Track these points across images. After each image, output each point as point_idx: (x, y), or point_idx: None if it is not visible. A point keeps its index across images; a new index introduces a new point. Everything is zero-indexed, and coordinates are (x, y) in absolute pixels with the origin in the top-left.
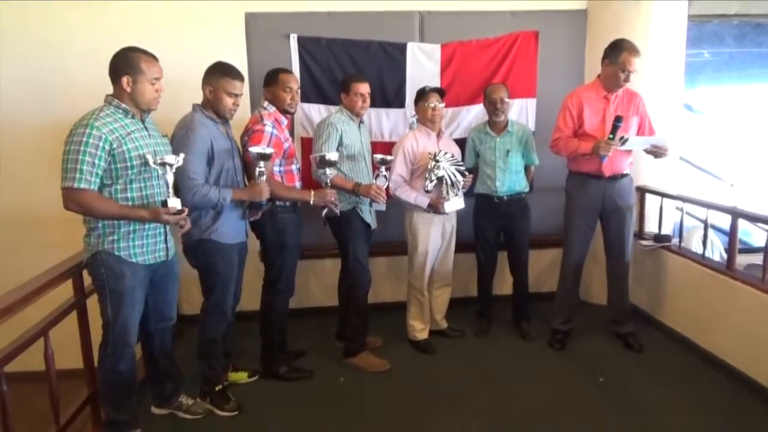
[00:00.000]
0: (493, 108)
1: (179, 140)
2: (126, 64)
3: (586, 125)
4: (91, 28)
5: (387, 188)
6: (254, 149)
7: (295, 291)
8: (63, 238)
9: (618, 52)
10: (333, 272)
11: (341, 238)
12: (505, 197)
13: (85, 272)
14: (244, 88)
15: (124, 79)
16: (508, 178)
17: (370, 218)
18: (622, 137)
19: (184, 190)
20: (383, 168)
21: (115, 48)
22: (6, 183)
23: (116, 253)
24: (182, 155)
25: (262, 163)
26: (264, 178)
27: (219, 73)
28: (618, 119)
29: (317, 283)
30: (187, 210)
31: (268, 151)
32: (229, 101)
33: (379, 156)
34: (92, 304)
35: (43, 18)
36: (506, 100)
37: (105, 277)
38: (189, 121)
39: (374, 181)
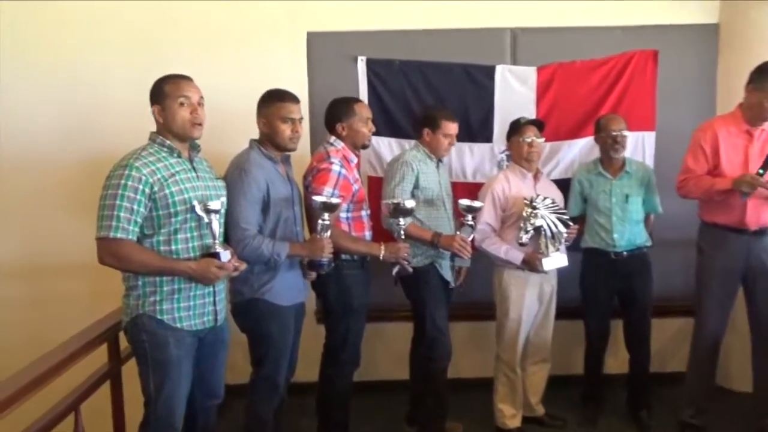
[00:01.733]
0: (612, 142)
1: (232, 183)
2: (153, 93)
3: (724, 166)
4: (135, 54)
5: (473, 240)
6: (318, 198)
7: (360, 362)
8: (95, 289)
9: (766, 76)
10: (403, 339)
11: (416, 300)
12: (624, 253)
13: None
14: (304, 122)
15: (155, 110)
16: (628, 230)
17: (450, 275)
18: None
19: (234, 241)
20: (470, 217)
21: (158, 70)
22: (22, 227)
23: (159, 317)
24: (223, 199)
25: (326, 215)
26: (328, 233)
27: (269, 99)
28: None
29: (384, 351)
30: (235, 258)
31: (335, 200)
32: (286, 129)
33: (465, 202)
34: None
35: (78, 42)
36: (626, 133)
37: (146, 345)
38: (243, 161)
39: (457, 232)
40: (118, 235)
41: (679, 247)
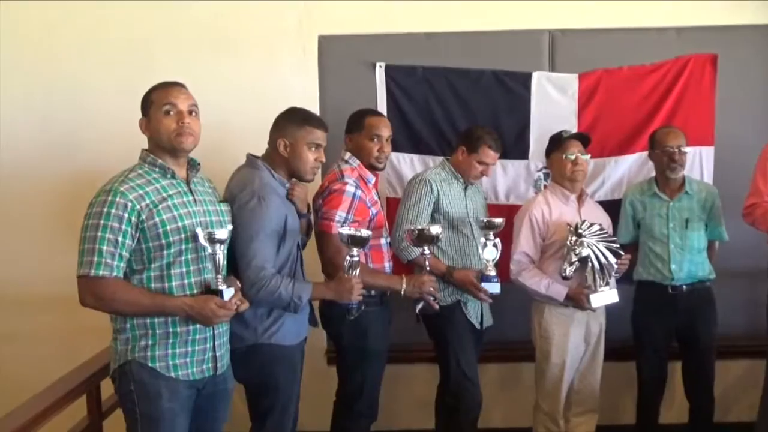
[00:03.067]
0: (669, 160)
1: (245, 212)
2: (143, 104)
3: None
4: (126, 62)
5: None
6: (345, 231)
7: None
8: (77, 325)
9: None
10: (428, 382)
11: (439, 341)
12: (684, 287)
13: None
14: None
15: (142, 123)
16: (688, 260)
17: (476, 318)
18: None
19: (248, 282)
20: (491, 234)
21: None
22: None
23: (150, 364)
24: (230, 226)
25: (355, 251)
26: (357, 271)
27: (297, 121)
28: None
29: (406, 396)
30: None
31: (365, 233)
32: (311, 157)
33: (484, 218)
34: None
35: (62, 48)
36: (684, 149)
37: (135, 397)
38: (259, 185)
39: (480, 251)
40: (101, 273)
41: (745, 278)
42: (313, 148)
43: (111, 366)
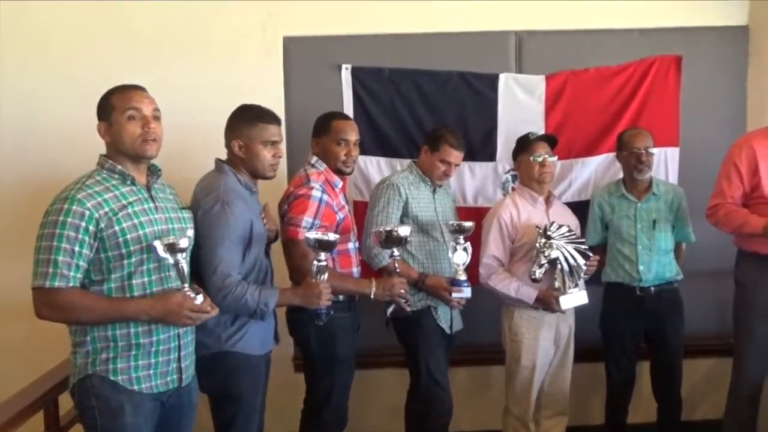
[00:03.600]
0: (636, 161)
1: (208, 217)
2: (100, 107)
3: (765, 188)
4: (81, 64)
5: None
6: (311, 235)
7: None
8: (34, 337)
9: None
10: (396, 387)
11: (410, 346)
12: (652, 288)
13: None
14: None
15: (101, 128)
16: (656, 261)
17: (447, 323)
18: None
19: (213, 289)
20: (461, 238)
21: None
22: None
23: (112, 378)
24: (191, 233)
25: (322, 255)
26: (325, 276)
27: (248, 119)
28: None
29: (375, 402)
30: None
31: (332, 237)
32: (267, 154)
33: (454, 222)
34: None
35: (19, 51)
36: (652, 150)
37: (97, 412)
38: (223, 190)
39: (450, 255)
40: (56, 284)
41: (710, 278)
42: (269, 145)
43: (70, 380)
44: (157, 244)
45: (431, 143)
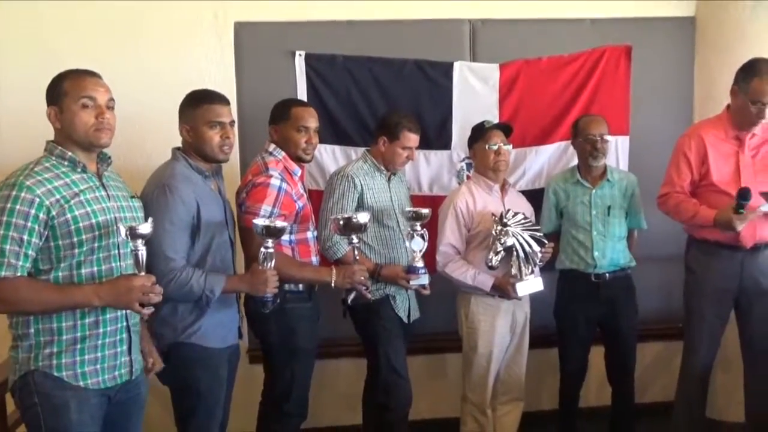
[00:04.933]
0: (591, 148)
1: (153, 203)
2: (49, 91)
3: (713, 176)
4: (26, 53)
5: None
6: (259, 222)
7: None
8: None
9: (749, 76)
10: (354, 377)
11: (368, 336)
12: (607, 275)
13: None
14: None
15: (51, 113)
16: (610, 247)
17: (405, 312)
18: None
19: (157, 274)
20: (418, 224)
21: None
22: None
23: (56, 374)
24: (150, 220)
25: (270, 242)
26: (272, 263)
27: (192, 102)
28: (744, 194)
29: (332, 392)
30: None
31: (280, 224)
32: (214, 135)
33: (410, 209)
34: None
35: None
36: (607, 137)
37: (39, 410)
38: (167, 175)
39: (408, 243)
40: (2, 274)
41: (658, 264)
42: (216, 127)
43: (10, 378)
44: (121, 227)
45: (389, 133)
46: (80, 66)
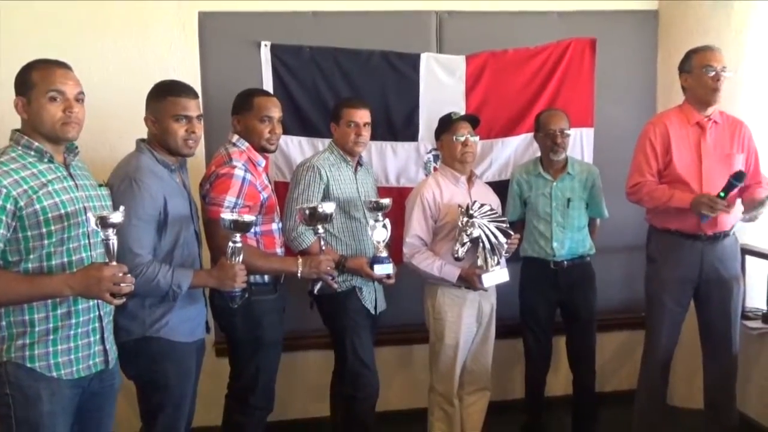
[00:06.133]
0: (551, 143)
1: (119, 196)
2: (17, 81)
3: (676, 163)
4: None
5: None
6: (227, 216)
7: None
8: None
9: (689, 58)
10: (320, 369)
11: (334, 328)
12: (565, 263)
13: None
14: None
15: (18, 103)
16: (569, 237)
17: (372, 304)
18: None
19: None
20: (380, 214)
21: (20, 64)
22: None
23: (28, 365)
24: (122, 208)
25: (237, 236)
26: (240, 258)
27: (158, 94)
28: (738, 176)
29: (299, 385)
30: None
31: (248, 218)
32: (180, 129)
33: (371, 200)
34: None
35: None
36: (567, 132)
37: (11, 400)
38: (133, 168)
39: (369, 233)
40: None
41: (620, 254)
42: (182, 120)
43: None
44: (91, 216)
45: (334, 117)
46: (42, 52)
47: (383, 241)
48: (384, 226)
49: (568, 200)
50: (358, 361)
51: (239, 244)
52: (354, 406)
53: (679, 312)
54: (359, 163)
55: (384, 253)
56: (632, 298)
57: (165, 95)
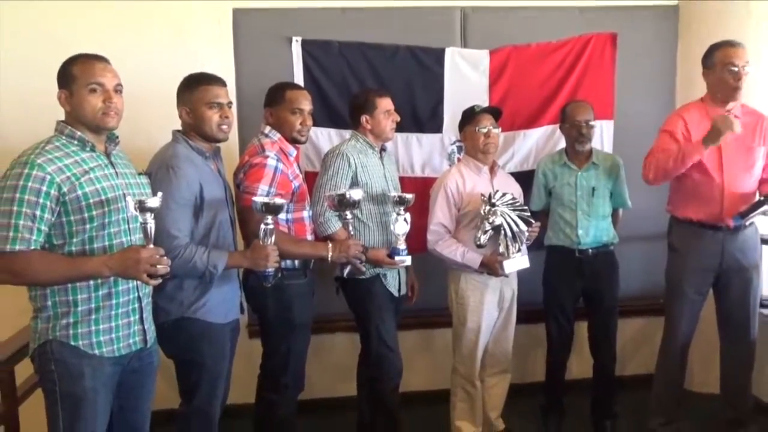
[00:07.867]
0: (577, 133)
1: (157, 183)
2: (60, 75)
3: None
4: (31, 37)
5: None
6: (259, 199)
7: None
8: None
9: (712, 53)
10: (348, 351)
11: (359, 313)
12: (590, 251)
13: (19, 367)
14: (232, 110)
15: (61, 96)
16: (594, 225)
17: (396, 288)
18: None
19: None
20: (401, 209)
21: (62, 57)
22: None
23: (72, 343)
24: (160, 194)
25: (269, 218)
26: (272, 239)
27: (190, 85)
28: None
29: (328, 366)
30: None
31: (279, 201)
32: (214, 115)
33: (395, 193)
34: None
35: None
36: (592, 123)
37: (56, 377)
38: (170, 156)
39: (392, 227)
40: (17, 248)
41: (640, 242)
42: (215, 107)
43: (30, 346)
44: (129, 200)
45: (365, 109)
46: (84, 47)
47: (403, 234)
48: (405, 219)
49: (593, 189)
50: (383, 344)
51: (271, 226)
52: (378, 387)
53: (699, 300)
54: (383, 149)
55: (402, 246)
56: (652, 286)
57: (197, 85)
